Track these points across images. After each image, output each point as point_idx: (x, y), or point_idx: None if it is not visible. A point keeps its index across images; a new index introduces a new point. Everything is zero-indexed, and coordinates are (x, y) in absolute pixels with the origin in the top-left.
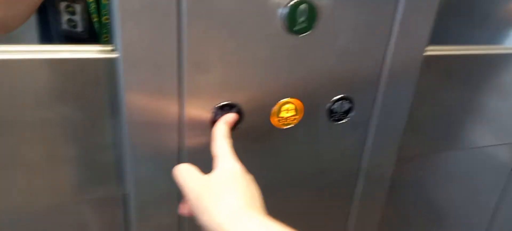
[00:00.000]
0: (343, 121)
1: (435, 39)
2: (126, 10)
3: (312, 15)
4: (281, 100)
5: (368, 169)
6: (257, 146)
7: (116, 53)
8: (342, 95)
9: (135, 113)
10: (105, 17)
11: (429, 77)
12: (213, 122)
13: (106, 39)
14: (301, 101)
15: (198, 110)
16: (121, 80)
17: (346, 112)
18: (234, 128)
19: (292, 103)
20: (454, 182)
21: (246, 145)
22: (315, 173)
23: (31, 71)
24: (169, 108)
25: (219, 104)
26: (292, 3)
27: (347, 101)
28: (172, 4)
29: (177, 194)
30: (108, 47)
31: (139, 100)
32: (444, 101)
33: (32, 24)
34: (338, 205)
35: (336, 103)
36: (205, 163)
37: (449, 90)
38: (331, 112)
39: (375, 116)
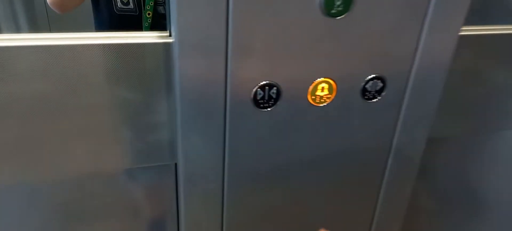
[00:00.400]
0: (376, 100)
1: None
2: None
3: None
4: (317, 80)
5: (399, 148)
6: (295, 122)
7: (171, 38)
8: (375, 75)
9: (187, 92)
10: None
11: (467, 57)
12: (255, 100)
13: (149, 15)
14: (335, 81)
15: (242, 90)
16: (176, 61)
17: (379, 91)
18: (274, 104)
19: (327, 82)
20: (496, 166)
21: (285, 120)
22: (348, 150)
23: (99, 55)
24: (216, 88)
25: (260, 84)
26: None
27: (380, 80)
28: None
29: (221, 165)
30: (165, 33)
31: (190, 80)
32: (485, 81)
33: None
34: (369, 182)
35: (369, 82)
36: (248, 137)
37: (489, 70)
38: (364, 92)
39: (408, 95)
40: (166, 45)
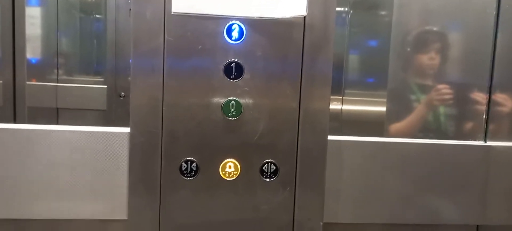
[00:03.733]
0: (273, 179)
1: None
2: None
3: (239, 107)
4: (225, 160)
5: (300, 223)
6: (211, 190)
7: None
8: (268, 159)
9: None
10: None
11: (344, 157)
12: (181, 170)
13: None
14: (238, 161)
15: (172, 163)
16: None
17: (274, 173)
18: (193, 176)
19: (232, 162)
20: None
21: (202, 191)
22: (255, 220)
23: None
24: (154, 161)
25: (184, 159)
26: (225, 100)
27: (273, 164)
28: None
29: (158, 221)
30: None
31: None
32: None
33: None
34: None
35: (264, 165)
36: (177, 200)
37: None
38: (262, 172)
39: (298, 178)
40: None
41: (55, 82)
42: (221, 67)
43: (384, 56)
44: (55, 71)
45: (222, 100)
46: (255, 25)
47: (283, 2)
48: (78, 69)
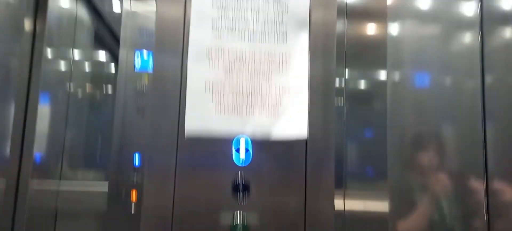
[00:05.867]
0: None
1: None
2: None
3: (245, 228)
4: None
5: None
6: None
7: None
8: None
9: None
10: None
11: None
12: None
13: None
14: None
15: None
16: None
17: None
18: None
19: None
20: None
21: None
22: None
23: None
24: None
25: None
26: (232, 224)
27: None
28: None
29: None
30: None
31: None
32: None
33: None
34: None
35: None
36: None
37: None
38: None
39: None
40: None
41: (57, 183)
42: (229, 186)
43: (382, 149)
44: (58, 169)
45: (229, 219)
46: (261, 146)
47: (286, 127)
48: (81, 167)
